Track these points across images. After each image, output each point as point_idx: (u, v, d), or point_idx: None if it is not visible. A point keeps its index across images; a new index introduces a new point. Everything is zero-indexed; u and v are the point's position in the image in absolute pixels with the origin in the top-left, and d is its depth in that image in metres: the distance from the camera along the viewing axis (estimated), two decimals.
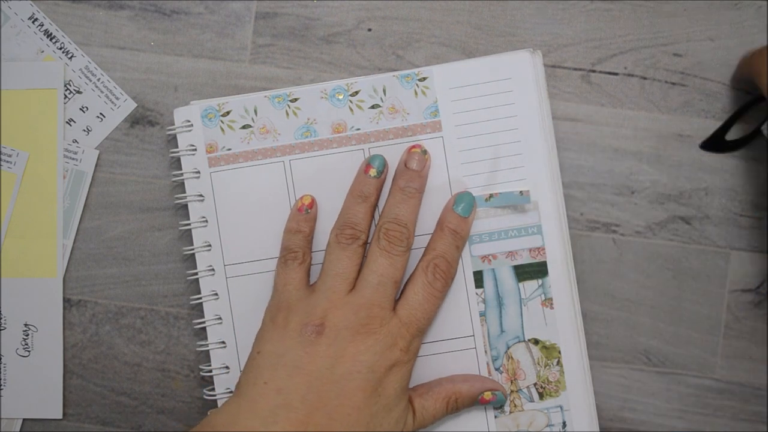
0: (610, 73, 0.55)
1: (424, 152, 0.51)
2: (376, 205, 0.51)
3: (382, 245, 0.48)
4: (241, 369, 0.52)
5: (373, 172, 0.50)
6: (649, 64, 0.54)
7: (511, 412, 0.51)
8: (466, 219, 0.50)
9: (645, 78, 0.54)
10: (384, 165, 0.51)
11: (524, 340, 0.51)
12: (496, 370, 0.51)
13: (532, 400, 0.51)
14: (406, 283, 0.50)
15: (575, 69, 0.55)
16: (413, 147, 0.51)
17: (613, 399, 0.54)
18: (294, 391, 0.45)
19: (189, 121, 0.53)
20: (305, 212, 0.51)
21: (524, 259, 0.51)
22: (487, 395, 0.50)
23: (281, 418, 0.44)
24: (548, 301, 0.51)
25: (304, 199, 0.51)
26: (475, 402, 0.50)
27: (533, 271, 0.51)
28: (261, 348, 0.47)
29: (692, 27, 0.54)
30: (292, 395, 0.45)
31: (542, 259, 0.51)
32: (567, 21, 0.55)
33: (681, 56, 0.54)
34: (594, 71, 0.55)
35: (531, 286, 0.51)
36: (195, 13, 0.55)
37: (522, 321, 0.51)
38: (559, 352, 0.51)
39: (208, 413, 0.51)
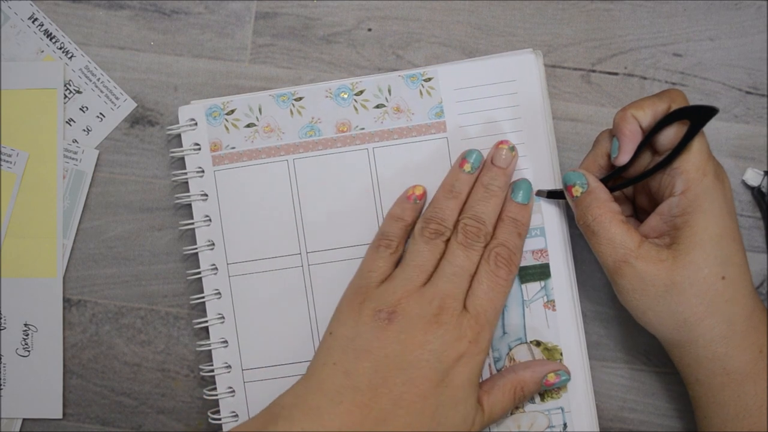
0: (610, 73, 0.55)
1: (512, 149, 0.50)
2: (465, 201, 0.50)
3: (459, 239, 0.48)
4: (243, 368, 0.52)
5: (467, 167, 0.50)
6: (649, 64, 0.54)
7: (512, 414, 0.51)
8: (526, 206, 0.50)
9: (645, 78, 0.54)
10: (480, 161, 0.50)
11: (526, 342, 0.51)
12: (498, 371, 0.51)
13: (533, 402, 0.51)
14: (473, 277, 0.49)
15: (575, 69, 0.55)
16: (501, 143, 0.50)
17: (613, 399, 0.54)
18: (362, 374, 0.45)
19: (193, 120, 0.52)
20: (414, 202, 0.50)
21: (527, 261, 0.51)
22: (551, 377, 0.50)
23: (347, 399, 0.45)
24: (551, 303, 0.51)
25: (416, 189, 0.51)
26: (540, 387, 0.50)
27: (536, 273, 0.51)
28: (333, 330, 0.48)
29: (692, 27, 0.54)
30: (360, 378, 0.45)
31: (545, 261, 0.51)
32: (567, 21, 0.55)
33: (681, 56, 0.54)
34: (594, 71, 0.55)
35: (533, 288, 0.51)
36: (195, 13, 0.55)
37: (524, 323, 0.51)
38: (561, 354, 0.51)
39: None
